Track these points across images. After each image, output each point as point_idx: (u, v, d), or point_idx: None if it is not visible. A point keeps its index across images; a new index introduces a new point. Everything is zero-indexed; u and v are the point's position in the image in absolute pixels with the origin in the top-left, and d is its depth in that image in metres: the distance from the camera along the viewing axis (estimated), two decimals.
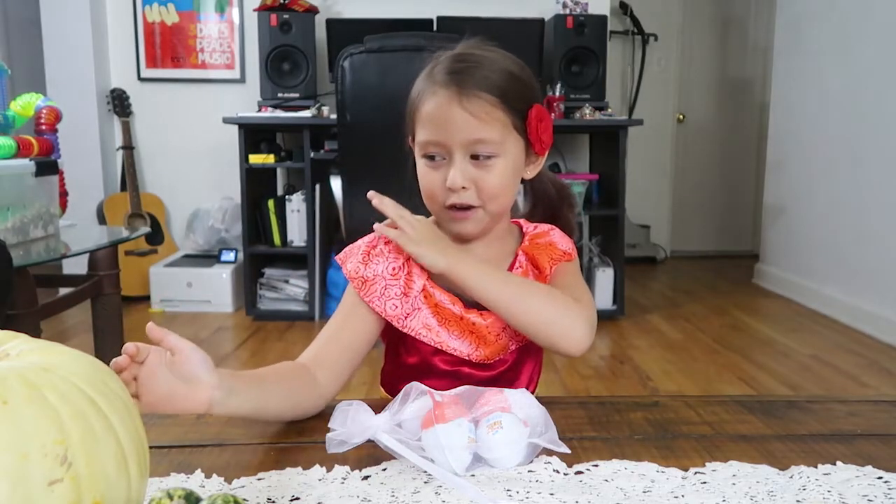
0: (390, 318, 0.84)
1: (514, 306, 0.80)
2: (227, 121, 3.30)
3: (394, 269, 0.85)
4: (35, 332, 1.67)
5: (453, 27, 3.37)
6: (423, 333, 0.85)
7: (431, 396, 0.65)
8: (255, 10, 3.48)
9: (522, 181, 0.91)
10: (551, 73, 3.49)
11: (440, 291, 0.85)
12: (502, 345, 0.86)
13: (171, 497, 0.47)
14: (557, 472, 0.63)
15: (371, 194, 0.82)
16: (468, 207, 0.84)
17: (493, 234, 0.90)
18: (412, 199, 0.89)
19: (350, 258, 0.86)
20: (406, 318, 0.84)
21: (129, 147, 3.75)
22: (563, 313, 0.81)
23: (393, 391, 0.91)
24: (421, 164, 0.86)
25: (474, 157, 0.82)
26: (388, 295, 0.84)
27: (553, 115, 3.36)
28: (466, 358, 0.85)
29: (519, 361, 0.90)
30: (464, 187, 0.82)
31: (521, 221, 0.94)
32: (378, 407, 0.67)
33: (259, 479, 0.62)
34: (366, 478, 0.62)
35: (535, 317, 0.80)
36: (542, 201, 0.98)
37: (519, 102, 0.84)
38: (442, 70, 0.84)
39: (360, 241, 0.88)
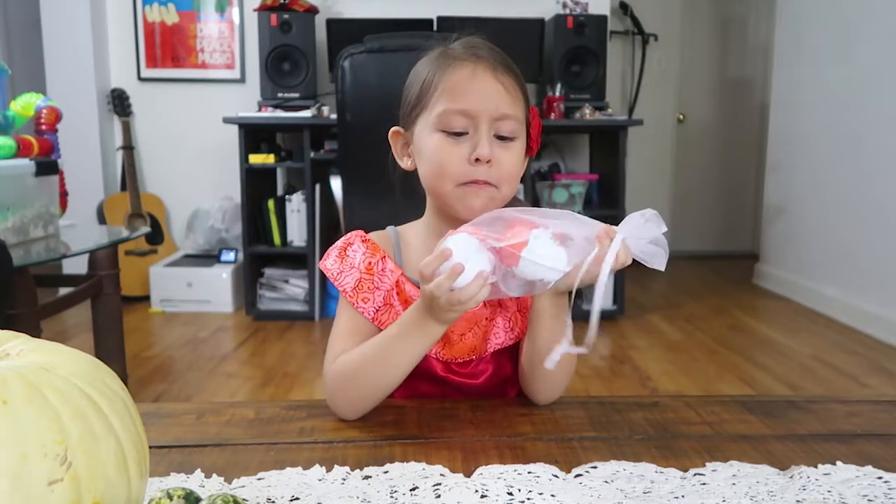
0: (362, 311, 0.83)
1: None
2: (227, 121, 3.30)
3: (369, 263, 0.84)
4: (35, 332, 1.67)
5: (453, 27, 3.32)
6: None
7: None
8: (255, 10, 3.48)
9: None
10: (551, 73, 3.49)
11: (411, 286, 0.84)
12: (468, 345, 0.84)
13: (170, 497, 0.47)
14: (556, 476, 0.63)
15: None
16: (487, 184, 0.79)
17: None
18: (399, 196, 0.88)
19: (328, 256, 0.86)
20: (377, 311, 0.83)
21: (129, 147, 3.75)
22: (569, 376, 0.83)
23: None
24: (436, 139, 0.79)
25: (496, 136, 0.79)
26: (361, 288, 0.83)
27: (553, 115, 3.36)
28: (434, 357, 0.84)
29: (501, 367, 0.87)
30: (488, 161, 0.77)
31: None
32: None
33: (259, 479, 0.62)
34: (366, 478, 0.62)
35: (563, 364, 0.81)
36: None
37: (526, 96, 0.84)
38: (462, 48, 0.81)
39: (337, 241, 0.87)
